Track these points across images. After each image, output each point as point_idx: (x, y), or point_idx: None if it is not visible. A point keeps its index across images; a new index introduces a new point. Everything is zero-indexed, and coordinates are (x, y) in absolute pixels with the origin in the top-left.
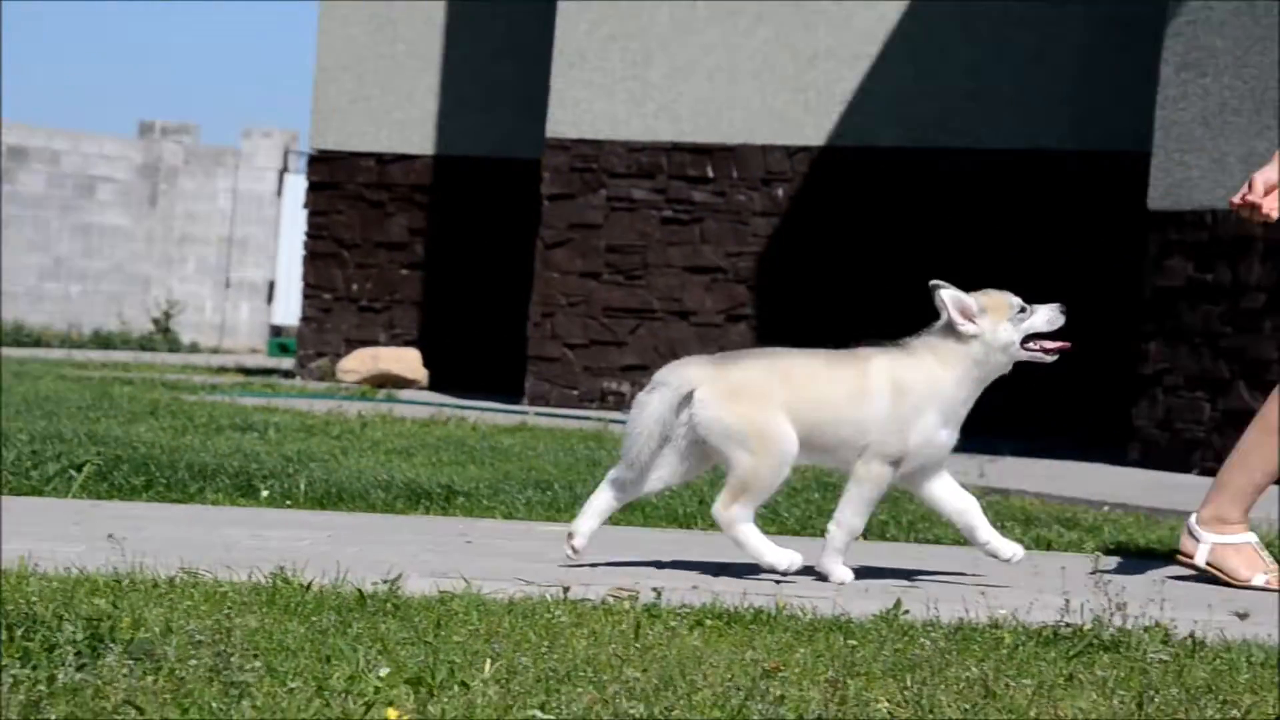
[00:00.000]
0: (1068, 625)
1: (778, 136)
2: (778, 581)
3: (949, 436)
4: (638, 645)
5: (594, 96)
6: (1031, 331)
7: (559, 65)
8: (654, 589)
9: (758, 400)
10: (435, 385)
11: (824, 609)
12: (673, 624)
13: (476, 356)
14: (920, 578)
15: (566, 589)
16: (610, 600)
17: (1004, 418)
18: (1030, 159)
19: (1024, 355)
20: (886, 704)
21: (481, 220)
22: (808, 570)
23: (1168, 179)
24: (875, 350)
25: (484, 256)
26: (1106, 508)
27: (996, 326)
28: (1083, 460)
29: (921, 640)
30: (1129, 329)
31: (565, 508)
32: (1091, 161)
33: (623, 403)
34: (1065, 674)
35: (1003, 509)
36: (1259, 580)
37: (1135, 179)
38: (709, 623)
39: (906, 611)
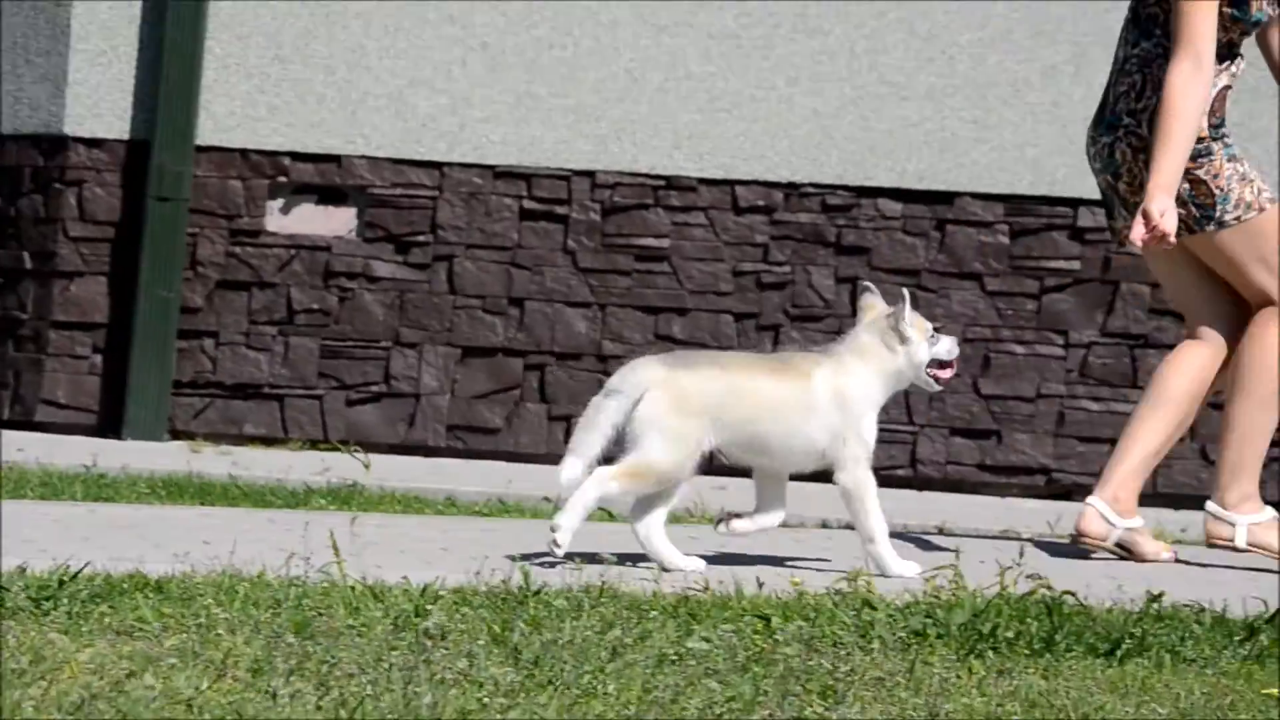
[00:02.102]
0: None
1: None
2: None
3: None
4: None
5: None
6: (937, 357)
7: None
8: None
9: (700, 410)
10: None
11: None
12: None
13: None
14: None
15: None
16: None
17: None
18: None
19: (923, 377)
20: None
21: None
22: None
23: None
24: (813, 359)
25: None
26: None
27: (919, 344)
28: None
29: None
30: None
31: None
32: None
33: None
34: None
35: None
36: None
37: None
38: None
39: None
